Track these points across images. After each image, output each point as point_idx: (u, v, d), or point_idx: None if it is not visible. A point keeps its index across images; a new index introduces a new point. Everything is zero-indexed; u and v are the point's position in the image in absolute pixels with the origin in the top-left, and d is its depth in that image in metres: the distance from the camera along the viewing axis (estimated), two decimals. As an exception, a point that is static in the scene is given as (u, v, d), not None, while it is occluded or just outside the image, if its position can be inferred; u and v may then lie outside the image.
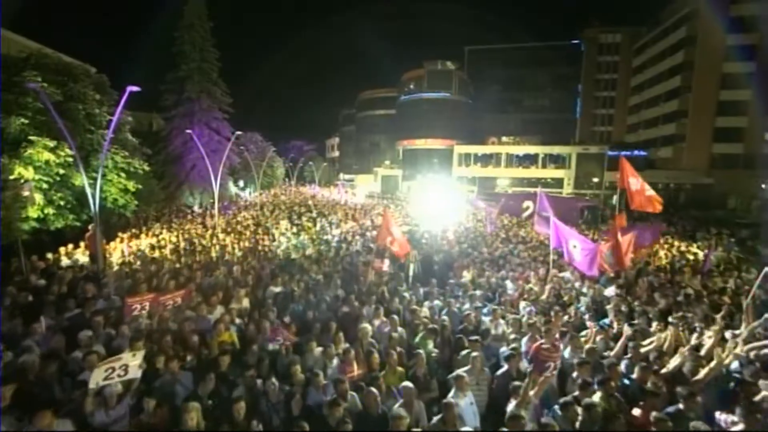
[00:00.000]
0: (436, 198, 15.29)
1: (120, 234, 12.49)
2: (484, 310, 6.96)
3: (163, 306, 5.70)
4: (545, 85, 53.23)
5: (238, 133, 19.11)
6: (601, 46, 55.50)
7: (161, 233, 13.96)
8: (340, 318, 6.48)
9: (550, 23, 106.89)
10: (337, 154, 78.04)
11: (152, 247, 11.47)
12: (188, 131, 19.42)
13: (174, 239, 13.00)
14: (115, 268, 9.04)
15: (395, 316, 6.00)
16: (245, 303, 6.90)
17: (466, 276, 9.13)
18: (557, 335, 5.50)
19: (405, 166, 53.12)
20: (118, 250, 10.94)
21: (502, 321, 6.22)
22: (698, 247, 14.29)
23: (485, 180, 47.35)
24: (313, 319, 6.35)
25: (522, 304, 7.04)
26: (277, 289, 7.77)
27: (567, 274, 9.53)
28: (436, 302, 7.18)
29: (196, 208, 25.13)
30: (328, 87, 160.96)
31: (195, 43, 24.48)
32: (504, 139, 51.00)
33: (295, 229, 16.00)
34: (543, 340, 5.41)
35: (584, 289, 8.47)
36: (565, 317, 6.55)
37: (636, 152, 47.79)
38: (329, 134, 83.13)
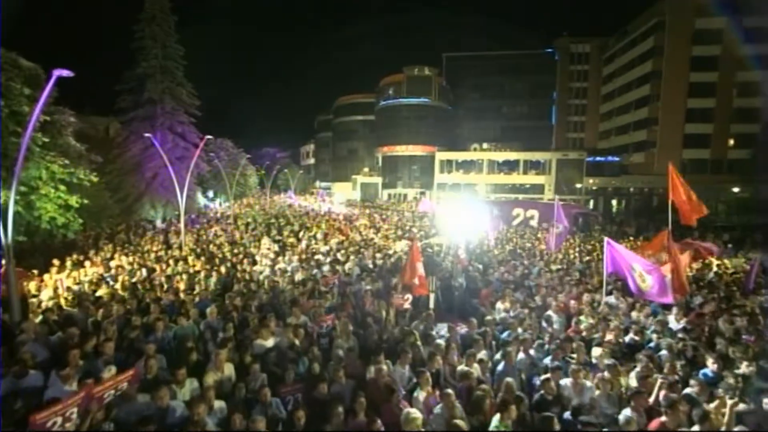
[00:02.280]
0: (461, 209, 13.62)
1: (55, 262, 9.93)
2: (547, 361, 5.39)
3: (98, 402, 3.61)
4: (523, 92, 53.87)
5: (209, 137, 16.76)
6: (572, 56, 57.10)
7: (114, 258, 11.44)
8: (365, 387, 4.66)
9: (526, 32, 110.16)
10: (312, 161, 75.52)
11: (99, 280, 9.09)
12: (148, 135, 16.82)
13: (129, 265, 10.60)
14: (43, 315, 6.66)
15: (450, 391, 4.22)
16: (227, 370, 4.90)
17: (500, 307, 7.56)
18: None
19: (385, 174, 51.68)
20: (50, 286, 8.48)
21: (587, 383, 4.64)
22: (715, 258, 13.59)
23: (466, 186, 46.80)
24: (327, 393, 4.48)
25: (596, 350, 5.51)
26: (269, 343, 5.81)
27: (611, 299, 8.20)
28: (484, 353, 5.50)
29: (158, 223, 22.26)
30: (302, 92, 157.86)
31: (156, 37, 21.87)
32: (485, 145, 50.87)
33: (277, 247, 13.89)
34: (665, 419, 3.87)
35: (641, 318, 7.15)
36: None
37: (610, 158, 49.16)
38: (304, 141, 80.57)
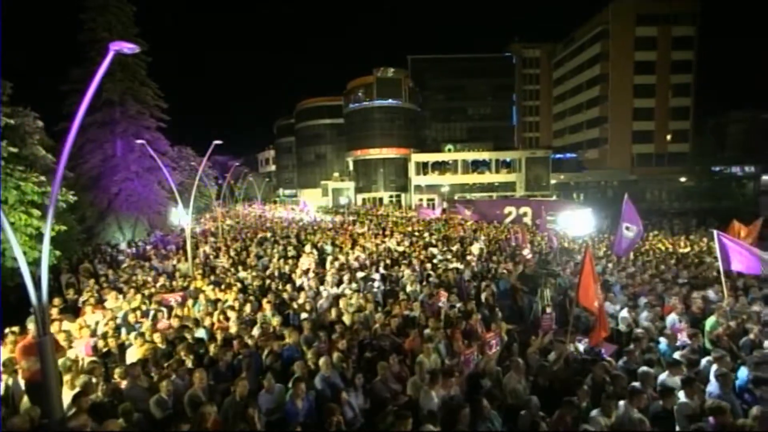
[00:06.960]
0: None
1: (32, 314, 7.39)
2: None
3: None
4: (486, 94, 55.71)
5: (217, 142, 14.30)
6: (525, 60, 60.46)
7: (107, 298, 8.90)
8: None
9: (488, 36, 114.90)
10: (273, 168, 71.53)
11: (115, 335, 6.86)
12: (140, 141, 13.93)
13: (143, 305, 8.29)
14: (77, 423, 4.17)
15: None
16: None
17: (626, 316, 6.88)
18: None
19: (358, 178, 50.24)
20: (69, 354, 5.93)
21: None
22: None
23: (437, 187, 46.97)
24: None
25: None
26: (437, 396, 4.49)
27: (710, 293, 7.98)
28: (685, 370, 4.70)
29: (123, 246, 18.81)
30: (254, 97, 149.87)
31: (112, 28, 18.55)
32: (458, 146, 51.74)
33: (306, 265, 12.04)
34: None
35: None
36: None
37: (568, 155, 52.60)
38: (259, 148, 76.34)
